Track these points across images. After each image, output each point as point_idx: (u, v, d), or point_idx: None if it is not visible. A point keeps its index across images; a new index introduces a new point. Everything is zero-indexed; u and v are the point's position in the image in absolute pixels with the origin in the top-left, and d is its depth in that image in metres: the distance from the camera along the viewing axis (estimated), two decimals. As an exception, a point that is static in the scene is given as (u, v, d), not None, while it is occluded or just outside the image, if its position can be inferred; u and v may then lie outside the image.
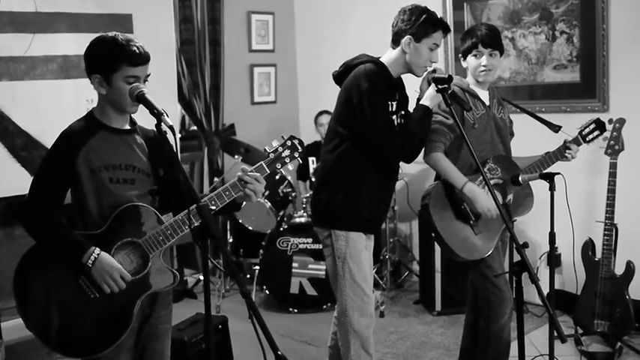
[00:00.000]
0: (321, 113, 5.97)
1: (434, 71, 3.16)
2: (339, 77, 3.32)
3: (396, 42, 3.22)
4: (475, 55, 3.38)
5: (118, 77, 2.44)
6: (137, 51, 2.45)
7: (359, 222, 3.27)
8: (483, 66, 3.38)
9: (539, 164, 3.46)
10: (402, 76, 3.31)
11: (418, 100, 3.26)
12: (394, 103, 3.22)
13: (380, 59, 3.25)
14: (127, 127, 2.61)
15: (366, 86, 3.08)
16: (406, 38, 3.15)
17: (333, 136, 3.27)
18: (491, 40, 3.38)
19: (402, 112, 3.29)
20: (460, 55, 3.48)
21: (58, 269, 2.44)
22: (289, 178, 5.48)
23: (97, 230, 2.48)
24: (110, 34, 2.50)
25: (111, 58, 2.44)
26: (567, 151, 3.46)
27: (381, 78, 3.15)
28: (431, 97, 3.18)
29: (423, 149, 3.38)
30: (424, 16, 3.14)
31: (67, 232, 2.44)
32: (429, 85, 3.18)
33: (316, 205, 3.35)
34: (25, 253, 2.48)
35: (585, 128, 3.55)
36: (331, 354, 3.52)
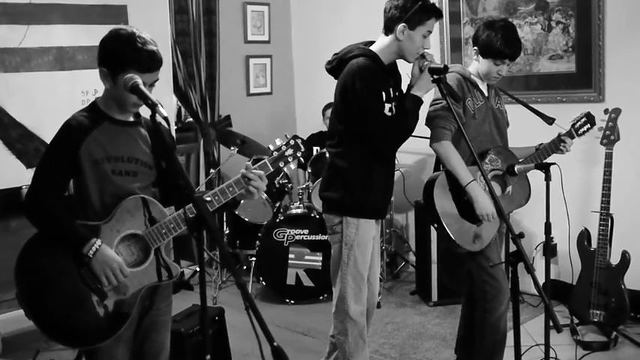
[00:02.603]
0: (328, 106, 5.92)
1: (423, 56, 3.16)
2: (333, 70, 3.32)
3: (389, 29, 3.18)
4: (495, 63, 3.35)
5: (123, 78, 2.40)
6: (149, 58, 2.42)
7: (371, 210, 3.31)
8: (499, 74, 3.38)
9: (535, 156, 3.46)
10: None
11: (409, 86, 3.25)
12: (390, 90, 3.22)
13: (371, 47, 3.24)
14: (131, 118, 2.60)
15: (360, 86, 3.08)
16: (400, 26, 3.12)
17: (335, 130, 3.28)
18: (517, 55, 3.39)
19: (397, 94, 3.28)
20: (477, 49, 3.39)
21: (60, 259, 2.44)
22: (285, 169, 5.46)
23: (99, 221, 2.48)
24: (129, 29, 2.46)
25: (121, 58, 2.41)
26: (562, 144, 3.46)
27: (374, 71, 3.14)
28: (421, 86, 3.18)
29: (430, 135, 3.37)
30: (419, 4, 3.10)
31: (69, 222, 2.44)
32: (421, 70, 3.17)
33: (327, 197, 3.34)
34: (28, 242, 2.48)
35: (577, 122, 3.57)
36: (332, 342, 3.53)
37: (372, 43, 3.28)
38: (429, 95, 3.28)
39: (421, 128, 3.38)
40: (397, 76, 3.34)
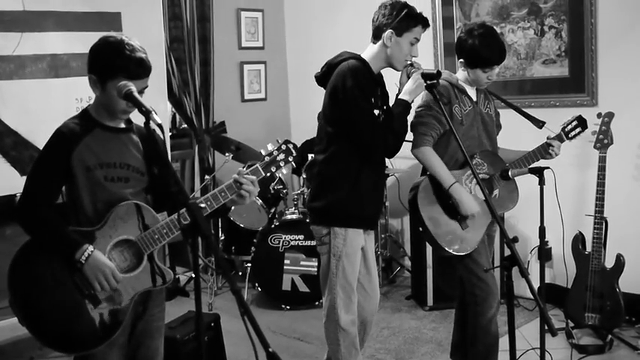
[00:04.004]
0: None
1: (412, 64, 3.18)
2: (322, 78, 3.32)
3: (377, 36, 3.22)
4: (484, 70, 3.37)
5: (112, 85, 2.42)
6: (137, 64, 2.43)
7: (359, 218, 3.30)
8: (489, 79, 3.40)
9: (525, 160, 3.47)
10: (381, 71, 3.33)
11: (398, 93, 3.26)
12: (377, 98, 3.23)
13: (361, 55, 3.25)
14: (122, 125, 2.61)
15: (350, 84, 3.09)
16: (388, 32, 3.16)
17: (324, 135, 3.28)
18: (504, 58, 3.41)
19: (384, 108, 3.29)
20: (463, 61, 3.41)
21: (53, 265, 2.45)
22: (280, 175, 5.47)
23: (92, 227, 2.49)
24: (119, 36, 2.48)
25: (109, 65, 2.42)
26: (550, 147, 3.47)
27: (365, 74, 3.16)
28: (410, 91, 3.19)
29: (412, 142, 3.40)
30: (405, 11, 3.15)
31: (61, 228, 2.45)
32: (409, 78, 3.19)
33: (314, 208, 3.34)
34: (21, 248, 2.48)
35: (568, 125, 3.58)
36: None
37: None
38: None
39: (416, 133, 3.40)
40: (384, 90, 3.36)
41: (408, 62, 3.19)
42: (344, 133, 3.18)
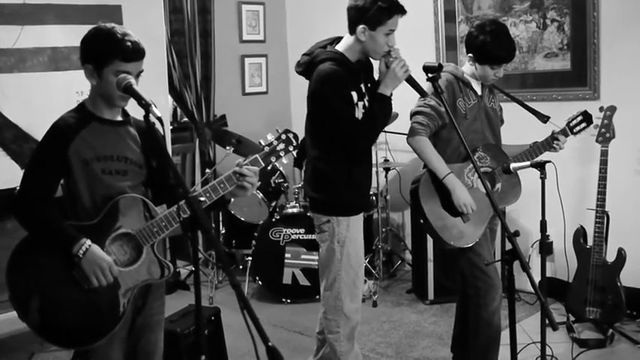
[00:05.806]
0: None
1: (389, 52, 3.11)
2: (304, 73, 3.29)
3: (352, 30, 3.13)
4: (492, 67, 3.35)
5: (108, 71, 2.44)
6: (131, 47, 2.44)
7: (358, 206, 3.31)
8: (496, 76, 3.39)
9: (528, 153, 3.46)
10: None
11: (378, 82, 3.21)
12: (361, 87, 3.19)
13: (337, 46, 3.19)
14: (119, 118, 2.60)
15: (328, 93, 3.07)
16: (360, 27, 3.06)
17: (311, 134, 3.27)
18: (514, 57, 3.39)
19: (369, 85, 3.25)
20: (472, 56, 3.38)
21: (51, 260, 2.44)
22: (281, 169, 5.48)
23: (90, 221, 2.48)
24: (108, 25, 2.49)
25: (104, 51, 2.44)
26: (555, 142, 3.46)
27: (341, 76, 3.09)
28: (388, 84, 3.13)
29: (408, 130, 3.38)
30: (377, 4, 3.02)
31: (58, 223, 2.45)
32: (387, 67, 3.13)
33: (315, 198, 3.33)
34: (19, 244, 2.48)
35: (573, 120, 3.57)
36: (319, 339, 3.52)
37: (340, 38, 3.25)
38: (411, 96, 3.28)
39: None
40: (368, 68, 3.29)
41: (386, 51, 3.11)
42: (329, 135, 3.16)
